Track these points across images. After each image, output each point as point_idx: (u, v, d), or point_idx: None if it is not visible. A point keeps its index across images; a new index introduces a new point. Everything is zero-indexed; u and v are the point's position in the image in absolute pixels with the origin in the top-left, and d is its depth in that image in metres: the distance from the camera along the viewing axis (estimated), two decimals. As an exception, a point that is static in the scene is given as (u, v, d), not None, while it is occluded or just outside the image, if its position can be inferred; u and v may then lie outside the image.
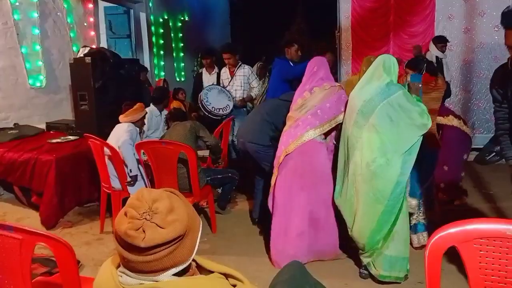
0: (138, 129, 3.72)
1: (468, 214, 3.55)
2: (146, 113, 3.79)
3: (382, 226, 2.64)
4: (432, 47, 5.23)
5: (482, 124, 5.93)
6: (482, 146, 5.13)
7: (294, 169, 2.94)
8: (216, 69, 5.49)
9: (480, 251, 1.48)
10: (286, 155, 2.92)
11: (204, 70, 5.50)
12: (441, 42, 5.20)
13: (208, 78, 5.45)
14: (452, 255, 1.54)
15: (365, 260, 2.80)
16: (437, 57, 5.19)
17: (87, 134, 3.66)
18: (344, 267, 3.03)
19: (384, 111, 2.54)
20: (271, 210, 3.07)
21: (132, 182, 3.51)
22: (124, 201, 3.28)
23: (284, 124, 3.15)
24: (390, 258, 2.69)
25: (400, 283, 2.73)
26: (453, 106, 5.88)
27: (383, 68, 2.65)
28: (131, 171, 3.49)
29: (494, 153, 5.17)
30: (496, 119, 2.37)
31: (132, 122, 3.66)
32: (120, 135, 3.52)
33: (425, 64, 3.54)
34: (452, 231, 1.50)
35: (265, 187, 3.55)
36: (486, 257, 1.48)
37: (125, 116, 3.67)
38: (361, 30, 6.35)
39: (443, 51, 5.21)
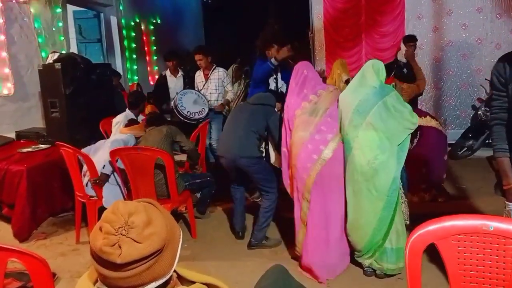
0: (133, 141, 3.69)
1: (442, 208, 3.63)
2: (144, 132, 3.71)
3: (383, 223, 2.70)
4: (402, 46, 5.33)
5: (453, 120, 6.09)
6: (453, 142, 5.33)
7: (330, 175, 2.78)
8: (181, 72, 5.44)
9: (458, 247, 1.51)
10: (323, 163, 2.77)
11: (168, 73, 5.43)
12: (410, 41, 5.29)
13: (173, 81, 5.39)
14: (432, 252, 1.57)
15: (366, 262, 2.83)
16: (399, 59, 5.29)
17: (59, 142, 3.56)
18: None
19: (381, 110, 2.63)
20: (306, 224, 2.89)
21: (100, 182, 3.43)
22: (100, 210, 3.24)
23: (266, 130, 3.17)
24: (394, 250, 2.75)
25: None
26: (425, 104, 6.02)
27: (374, 71, 2.74)
28: (104, 167, 3.44)
29: (465, 148, 5.34)
30: (491, 107, 2.21)
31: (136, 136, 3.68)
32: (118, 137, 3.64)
33: (394, 70, 4.00)
34: (431, 228, 1.53)
35: (242, 196, 3.57)
36: (464, 253, 1.51)
37: (129, 129, 3.67)
38: (334, 31, 6.41)
39: (413, 50, 5.29)
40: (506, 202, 2.15)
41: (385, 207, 2.68)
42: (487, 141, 5.47)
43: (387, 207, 2.69)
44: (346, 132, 2.71)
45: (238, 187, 3.54)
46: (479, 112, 5.07)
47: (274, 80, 4.21)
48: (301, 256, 2.95)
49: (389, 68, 4.21)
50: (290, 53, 4.13)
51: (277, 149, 3.33)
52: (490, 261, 1.49)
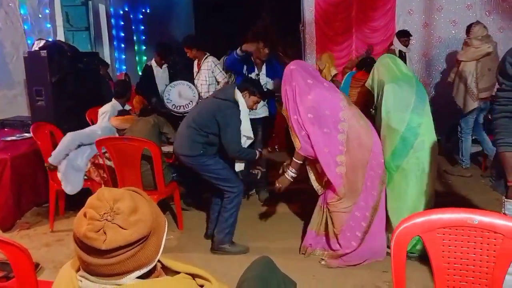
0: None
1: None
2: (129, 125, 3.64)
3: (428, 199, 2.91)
4: (395, 41, 5.35)
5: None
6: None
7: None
8: (165, 64, 5.41)
9: (443, 240, 1.52)
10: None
11: (154, 64, 5.37)
12: (404, 36, 5.32)
13: (160, 72, 5.33)
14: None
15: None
16: (400, 51, 5.31)
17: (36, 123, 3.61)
18: (311, 260, 3.06)
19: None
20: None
21: (51, 167, 3.57)
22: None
23: (219, 125, 3.01)
24: None
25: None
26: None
27: (402, 63, 3.07)
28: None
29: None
30: (499, 98, 2.00)
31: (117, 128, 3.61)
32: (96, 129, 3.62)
33: (366, 65, 4.09)
34: (417, 221, 1.53)
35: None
36: (449, 246, 1.52)
37: (122, 120, 3.59)
38: (325, 25, 6.40)
39: (406, 45, 5.33)
40: (506, 199, 1.96)
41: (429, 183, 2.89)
42: (474, 137, 5.54)
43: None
44: (411, 119, 2.79)
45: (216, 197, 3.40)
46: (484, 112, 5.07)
47: (256, 76, 4.06)
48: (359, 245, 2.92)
49: (361, 62, 4.31)
50: (264, 50, 3.98)
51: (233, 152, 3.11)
52: (474, 254, 1.50)
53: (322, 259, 3.02)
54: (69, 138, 3.54)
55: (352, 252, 2.91)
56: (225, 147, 3.07)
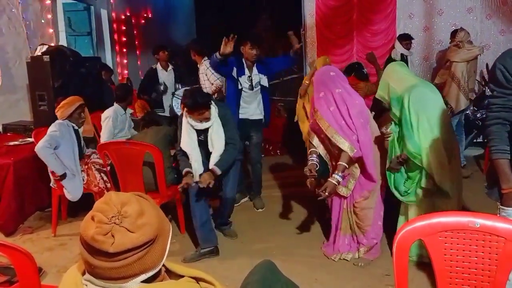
0: (72, 126, 3.59)
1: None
2: (78, 107, 3.57)
3: None
4: (397, 44, 5.35)
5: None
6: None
7: None
8: (171, 66, 5.37)
9: (445, 243, 1.53)
10: None
11: (159, 67, 5.35)
12: (406, 39, 5.34)
13: (165, 75, 5.30)
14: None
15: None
16: (402, 54, 5.32)
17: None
18: (313, 263, 3.06)
19: None
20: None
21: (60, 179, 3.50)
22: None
23: None
24: None
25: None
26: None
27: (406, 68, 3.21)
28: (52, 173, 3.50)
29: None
30: (492, 105, 1.98)
31: (65, 119, 3.54)
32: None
33: (355, 70, 4.17)
34: (419, 224, 1.54)
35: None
36: (451, 249, 1.53)
37: (56, 112, 3.55)
38: (326, 28, 6.41)
39: (408, 49, 5.34)
40: (501, 206, 1.96)
41: None
42: (475, 140, 5.54)
43: None
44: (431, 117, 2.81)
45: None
46: (467, 112, 5.12)
47: (249, 79, 3.96)
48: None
49: (350, 68, 4.33)
50: (251, 51, 3.90)
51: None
52: (476, 257, 1.51)
53: (357, 258, 3.07)
54: (46, 150, 3.40)
55: (378, 242, 3.08)
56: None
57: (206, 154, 3.26)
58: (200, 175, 3.15)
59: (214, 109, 3.16)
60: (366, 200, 2.97)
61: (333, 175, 2.82)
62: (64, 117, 3.53)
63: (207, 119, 3.13)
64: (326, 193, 2.76)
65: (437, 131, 2.76)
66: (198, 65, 4.79)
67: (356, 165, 2.89)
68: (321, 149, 3.01)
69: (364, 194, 2.96)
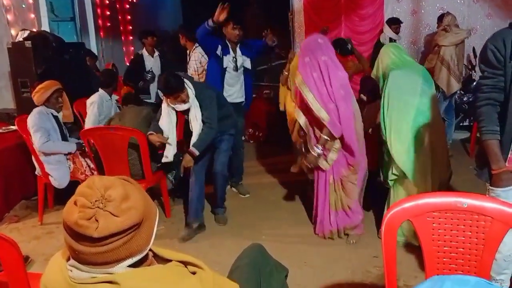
0: (51, 112, 3.51)
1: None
2: (54, 91, 3.49)
3: None
4: (386, 28, 5.34)
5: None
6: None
7: None
8: (157, 52, 5.27)
9: (433, 223, 1.54)
10: None
11: (145, 53, 5.24)
12: (394, 23, 5.33)
13: (151, 61, 5.19)
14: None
15: None
16: (390, 38, 5.31)
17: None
18: (302, 246, 3.08)
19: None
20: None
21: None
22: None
23: None
24: None
25: None
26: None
27: (402, 50, 3.16)
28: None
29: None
30: (482, 85, 1.96)
31: (42, 104, 3.46)
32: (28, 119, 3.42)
33: (339, 46, 4.13)
34: (407, 205, 1.55)
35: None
36: (439, 229, 1.54)
37: (34, 99, 3.46)
38: (314, 13, 6.36)
39: (397, 33, 5.34)
40: (490, 187, 1.97)
41: None
42: (461, 124, 5.60)
43: None
44: (419, 104, 2.81)
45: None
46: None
47: (233, 60, 3.93)
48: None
49: (334, 44, 4.28)
50: (234, 31, 3.87)
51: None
52: (463, 237, 1.52)
53: (346, 234, 3.12)
54: (43, 147, 3.38)
55: (362, 217, 3.14)
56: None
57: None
58: (178, 155, 3.30)
59: (190, 91, 3.15)
60: (352, 174, 2.99)
61: (314, 147, 2.89)
62: (41, 102, 3.44)
63: (184, 101, 3.13)
64: (310, 165, 2.90)
65: (405, 116, 2.80)
66: (188, 52, 4.70)
67: (338, 139, 2.90)
68: (304, 125, 3.01)
69: (350, 168, 2.98)
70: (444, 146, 3.08)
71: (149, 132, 3.20)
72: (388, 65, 2.99)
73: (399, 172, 2.86)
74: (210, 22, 3.69)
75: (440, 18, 4.91)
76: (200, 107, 3.18)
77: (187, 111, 3.21)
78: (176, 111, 3.25)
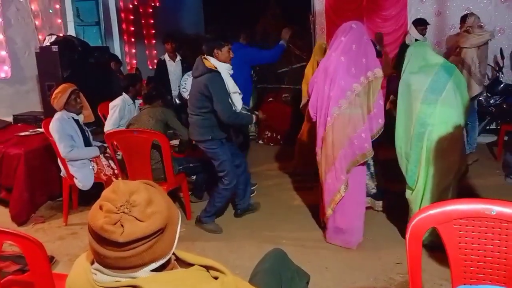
0: (72, 116, 3.55)
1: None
2: (71, 92, 3.51)
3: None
4: (412, 30, 5.25)
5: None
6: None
7: None
8: (179, 57, 5.32)
9: (460, 231, 1.49)
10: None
11: (167, 57, 5.29)
12: (421, 25, 5.24)
13: (173, 66, 5.23)
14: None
15: None
16: (416, 40, 5.22)
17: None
18: (324, 252, 3.04)
19: (454, 87, 2.75)
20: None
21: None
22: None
23: (209, 100, 3.11)
24: None
25: None
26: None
27: (431, 50, 2.98)
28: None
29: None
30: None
31: (63, 108, 3.50)
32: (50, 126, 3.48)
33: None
34: (432, 212, 1.51)
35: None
36: (466, 237, 1.49)
37: (53, 105, 3.51)
38: (335, 15, 6.32)
39: (423, 34, 5.24)
40: None
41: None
42: (487, 127, 5.45)
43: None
44: (419, 111, 2.74)
45: None
46: (480, 98, 5.02)
47: None
48: (333, 223, 3.04)
49: None
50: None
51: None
52: (491, 245, 1.47)
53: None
54: (69, 155, 3.47)
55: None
56: (219, 116, 3.14)
57: None
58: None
59: None
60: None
61: None
62: (61, 106, 3.48)
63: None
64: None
65: (408, 123, 2.80)
66: None
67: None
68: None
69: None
70: (446, 157, 2.80)
71: None
72: (406, 65, 2.92)
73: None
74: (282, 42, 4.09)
75: (463, 19, 4.79)
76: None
77: None
78: None
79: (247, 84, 4.10)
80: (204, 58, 3.18)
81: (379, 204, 3.57)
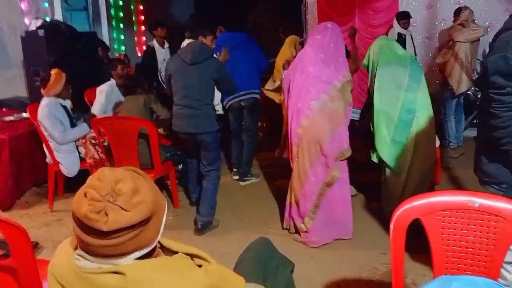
0: (60, 102, 3.53)
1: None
2: (66, 79, 3.51)
3: None
4: (395, 23, 5.25)
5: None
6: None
7: None
8: (166, 44, 5.24)
9: (443, 222, 1.51)
10: None
11: (156, 44, 5.21)
12: (403, 18, 5.23)
13: (162, 53, 5.16)
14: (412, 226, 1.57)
15: None
16: (399, 33, 5.22)
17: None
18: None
19: (423, 76, 3.01)
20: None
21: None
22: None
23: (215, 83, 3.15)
24: None
25: None
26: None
27: (397, 45, 3.17)
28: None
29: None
30: (506, 103, 1.83)
31: (57, 96, 3.48)
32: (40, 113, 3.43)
33: None
34: (417, 203, 1.52)
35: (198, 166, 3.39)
36: (448, 228, 1.51)
37: (47, 91, 3.44)
38: (327, 5, 6.30)
39: (405, 28, 5.23)
40: None
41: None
42: (474, 121, 5.51)
43: None
44: (405, 98, 2.90)
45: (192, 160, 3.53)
46: (468, 92, 5.06)
47: None
48: (315, 222, 2.97)
49: None
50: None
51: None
52: (473, 237, 1.50)
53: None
54: (63, 139, 3.47)
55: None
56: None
57: None
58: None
59: None
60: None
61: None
62: (59, 91, 3.45)
63: None
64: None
65: (391, 111, 2.93)
66: None
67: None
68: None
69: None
70: (430, 141, 3.00)
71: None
72: (379, 58, 3.05)
73: (379, 160, 3.06)
74: None
75: (457, 12, 4.77)
76: None
77: None
78: None
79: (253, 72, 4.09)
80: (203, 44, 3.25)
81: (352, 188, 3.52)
